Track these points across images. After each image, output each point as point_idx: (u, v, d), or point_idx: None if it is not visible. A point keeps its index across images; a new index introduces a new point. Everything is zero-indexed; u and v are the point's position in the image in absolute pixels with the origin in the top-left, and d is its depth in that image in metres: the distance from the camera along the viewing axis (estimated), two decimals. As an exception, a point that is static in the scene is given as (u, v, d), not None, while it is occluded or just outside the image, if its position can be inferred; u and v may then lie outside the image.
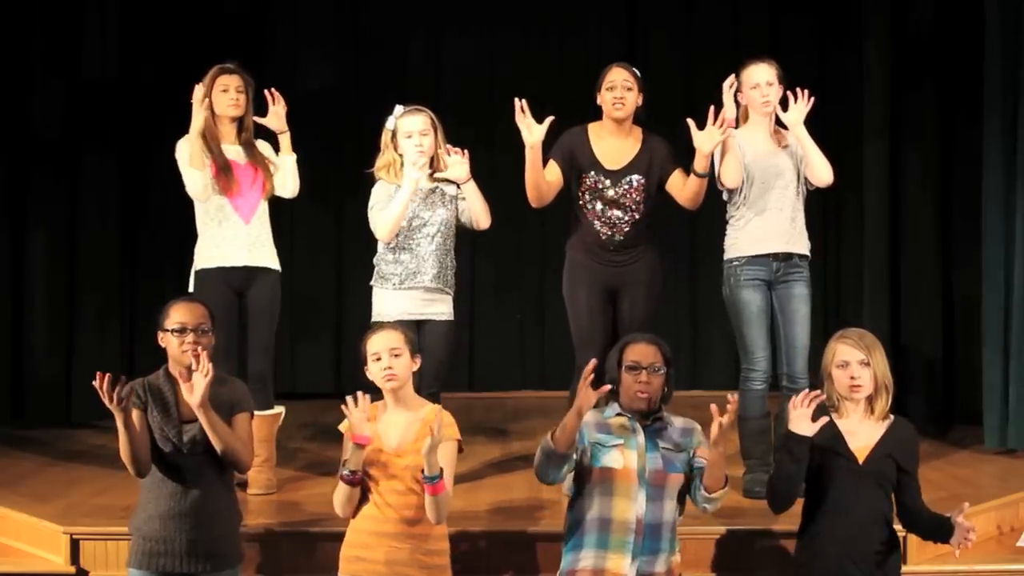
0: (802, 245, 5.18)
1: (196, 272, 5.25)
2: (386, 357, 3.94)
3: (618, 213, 5.18)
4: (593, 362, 3.82)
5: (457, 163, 5.07)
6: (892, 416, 3.95)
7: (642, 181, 5.17)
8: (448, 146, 5.10)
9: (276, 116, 5.28)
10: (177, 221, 6.10)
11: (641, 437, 3.93)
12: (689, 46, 8.04)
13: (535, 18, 8.04)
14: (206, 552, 3.94)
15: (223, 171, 5.16)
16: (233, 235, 5.20)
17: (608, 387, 3.84)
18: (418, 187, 5.02)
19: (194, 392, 3.80)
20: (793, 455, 3.83)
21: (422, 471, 3.78)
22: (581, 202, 5.21)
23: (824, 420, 3.83)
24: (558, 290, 5.34)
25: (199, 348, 3.88)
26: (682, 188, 5.14)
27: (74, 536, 4.73)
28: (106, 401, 3.73)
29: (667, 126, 5.35)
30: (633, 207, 5.17)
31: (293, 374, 7.85)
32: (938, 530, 3.95)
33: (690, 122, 4.89)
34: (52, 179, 6.89)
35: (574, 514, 3.96)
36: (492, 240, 6.25)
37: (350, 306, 7.71)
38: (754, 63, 5.11)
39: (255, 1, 7.95)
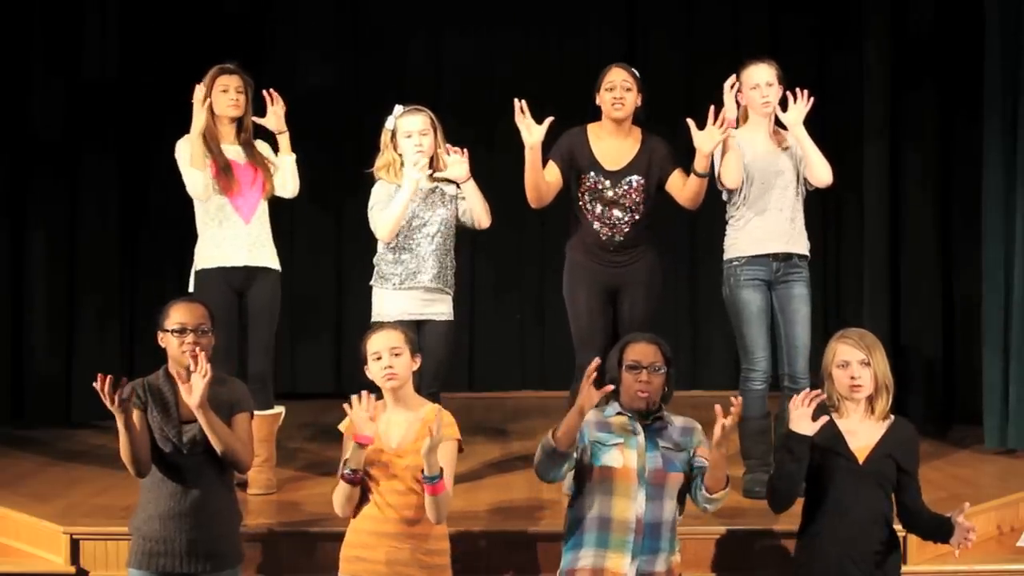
0: (802, 245, 5.18)
1: (196, 272, 5.25)
2: (386, 356, 3.94)
3: (618, 214, 5.18)
4: (596, 361, 3.82)
5: (457, 162, 5.07)
6: (892, 416, 3.95)
7: (642, 181, 5.17)
8: (447, 145, 5.10)
9: (275, 117, 5.28)
10: (177, 221, 6.10)
11: (641, 436, 3.93)
12: (689, 46, 8.05)
13: (535, 18, 8.04)
14: (206, 552, 3.94)
15: (223, 171, 5.16)
16: (233, 235, 5.20)
17: (611, 387, 3.84)
18: (418, 187, 5.03)
19: (193, 393, 3.80)
20: (794, 454, 3.83)
21: (422, 471, 3.78)
22: (581, 203, 5.21)
23: (824, 419, 3.83)
24: (558, 290, 5.34)
25: (198, 349, 3.88)
26: (682, 188, 5.14)
27: (74, 536, 4.73)
28: (107, 403, 3.73)
29: (667, 126, 5.36)
30: (633, 207, 5.17)
31: (293, 374, 7.86)
32: (938, 530, 3.95)
33: (690, 122, 4.89)
34: (52, 179, 6.89)
35: (574, 513, 3.96)
36: (492, 240, 6.26)
37: (350, 306, 7.71)
38: (754, 63, 5.11)
39: (255, 1, 7.95)
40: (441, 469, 3.79)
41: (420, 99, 5.25)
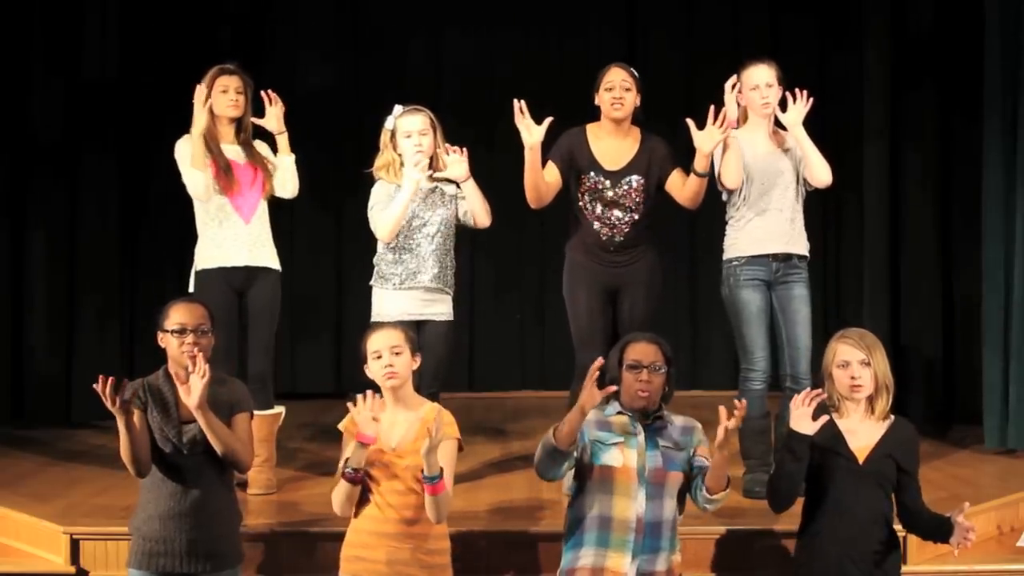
0: (801, 246, 5.18)
1: (196, 272, 5.25)
2: (387, 355, 3.94)
3: (618, 214, 5.18)
4: (599, 360, 3.81)
5: (456, 162, 5.07)
6: (892, 416, 3.95)
7: (641, 181, 5.17)
8: (447, 145, 5.10)
9: (274, 118, 5.28)
10: (177, 221, 6.10)
11: (641, 436, 3.93)
12: (689, 46, 8.05)
13: (535, 18, 8.04)
14: (206, 552, 3.94)
15: (224, 171, 5.16)
16: (234, 235, 5.20)
17: (613, 388, 3.84)
18: (418, 187, 5.03)
19: (191, 394, 3.80)
20: (794, 454, 3.83)
21: (422, 471, 3.78)
22: (581, 203, 5.21)
23: (824, 419, 3.83)
24: (558, 290, 5.34)
25: (196, 350, 3.87)
26: (682, 188, 5.14)
27: (74, 536, 4.73)
28: (107, 404, 3.73)
29: (667, 126, 5.36)
30: (633, 207, 5.17)
31: (293, 374, 7.86)
32: (938, 530, 3.95)
33: (690, 122, 4.90)
34: (52, 179, 6.89)
35: (574, 512, 3.96)
36: (492, 240, 6.26)
37: (350, 306, 7.71)
38: (754, 64, 5.11)
39: (255, 1, 7.95)
40: (441, 469, 3.79)
41: (420, 99, 5.25)
